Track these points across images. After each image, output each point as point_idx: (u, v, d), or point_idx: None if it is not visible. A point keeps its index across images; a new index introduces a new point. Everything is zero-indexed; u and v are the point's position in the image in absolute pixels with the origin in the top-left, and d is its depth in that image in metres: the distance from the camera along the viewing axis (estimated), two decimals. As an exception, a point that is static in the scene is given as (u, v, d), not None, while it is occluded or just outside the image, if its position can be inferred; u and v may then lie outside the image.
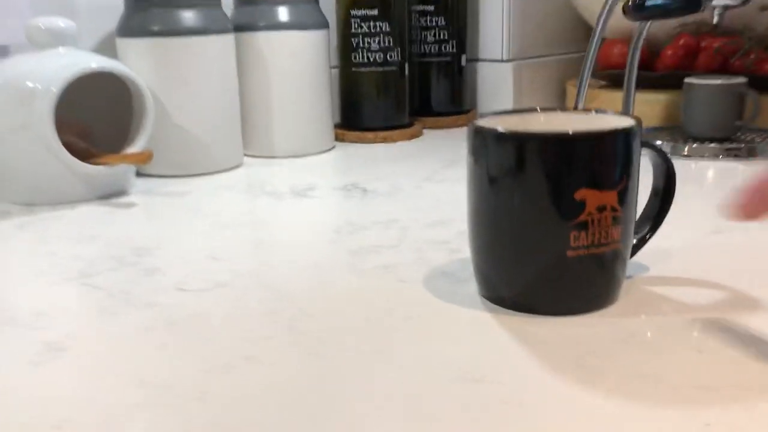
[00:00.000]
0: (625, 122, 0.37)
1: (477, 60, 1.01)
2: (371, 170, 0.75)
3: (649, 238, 0.43)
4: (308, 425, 0.29)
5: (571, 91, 0.98)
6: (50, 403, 0.31)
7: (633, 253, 0.42)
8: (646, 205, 0.43)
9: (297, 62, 0.80)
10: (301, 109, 0.81)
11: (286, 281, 0.45)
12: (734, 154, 0.74)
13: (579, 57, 0.87)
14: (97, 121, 0.70)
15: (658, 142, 0.77)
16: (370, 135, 0.88)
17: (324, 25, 0.81)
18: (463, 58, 0.97)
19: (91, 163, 0.63)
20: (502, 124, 0.38)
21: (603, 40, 0.96)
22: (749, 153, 0.74)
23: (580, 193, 0.36)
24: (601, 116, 0.41)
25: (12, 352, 0.36)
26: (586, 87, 0.80)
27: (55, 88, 0.59)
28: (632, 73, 0.79)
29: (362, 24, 0.85)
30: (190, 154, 0.73)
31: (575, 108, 0.79)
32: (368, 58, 0.86)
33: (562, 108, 0.42)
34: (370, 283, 0.44)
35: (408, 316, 0.39)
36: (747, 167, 0.71)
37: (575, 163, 0.36)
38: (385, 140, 0.88)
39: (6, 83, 0.61)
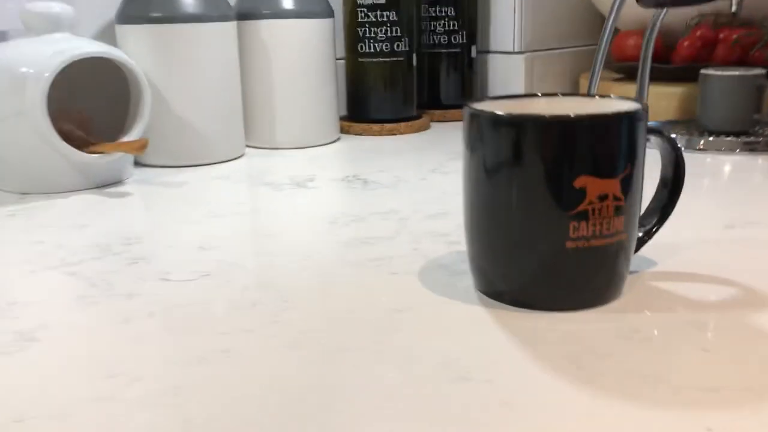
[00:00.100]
0: (630, 106, 0.35)
1: (488, 52, 0.99)
2: (375, 162, 0.73)
3: (656, 230, 0.40)
4: (283, 422, 0.27)
5: (584, 84, 0.95)
6: (13, 395, 0.30)
7: (639, 247, 0.40)
8: (654, 197, 0.41)
9: (301, 51, 0.78)
10: (304, 100, 0.79)
11: (273, 272, 0.43)
12: (752, 148, 0.71)
13: (593, 50, 0.84)
14: (98, 110, 0.69)
15: (673, 135, 0.74)
16: (376, 127, 0.86)
17: (329, 13, 0.80)
18: (474, 49, 0.95)
19: (86, 152, 0.62)
20: (499, 108, 0.36)
21: (617, 31, 0.93)
22: (767, 147, 0.71)
23: (580, 181, 0.34)
24: (604, 101, 0.38)
25: (-18, 341, 0.35)
26: (598, 79, 0.78)
27: (48, 74, 0.58)
28: (646, 65, 0.77)
29: (369, 13, 0.83)
30: (189, 144, 0.72)
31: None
32: (375, 48, 0.84)
33: (564, 93, 0.39)
34: (360, 275, 0.42)
35: (398, 309, 0.37)
36: (765, 162, 0.68)
37: (575, 148, 0.34)
38: (391, 133, 0.86)
39: (0, 69, 0.60)
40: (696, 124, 0.77)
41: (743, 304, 0.37)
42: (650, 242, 0.41)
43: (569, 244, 0.34)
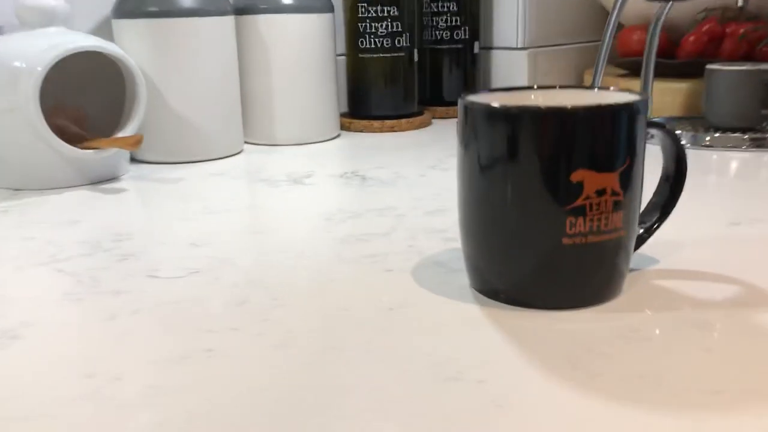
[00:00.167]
0: (629, 97, 0.34)
1: (491, 48, 0.98)
2: (374, 158, 0.71)
3: (658, 227, 0.39)
4: (265, 425, 0.26)
5: (589, 80, 0.94)
6: (-11, 394, 0.29)
7: (639, 244, 0.39)
8: (655, 192, 0.39)
9: (300, 47, 0.77)
10: (304, 96, 0.78)
11: (265, 269, 0.42)
12: (759, 145, 0.69)
13: (597, 45, 0.83)
14: (94, 106, 0.68)
15: (674, 129, 0.73)
16: (376, 124, 0.85)
17: (329, 8, 0.79)
18: (476, 45, 0.94)
19: (80, 148, 0.61)
20: (494, 100, 0.35)
21: (621, 26, 0.92)
22: (775, 144, 0.69)
23: (577, 175, 0.32)
24: (603, 93, 0.37)
25: (-38, 339, 0.34)
26: (602, 75, 0.77)
27: (41, 68, 0.57)
28: (650, 60, 0.75)
29: (369, 8, 0.82)
30: (187, 141, 0.71)
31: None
32: (375, 43, 0.83)
33: (563, 85, 0.38)
34: (353, 272, 0.41)
35: (391, 308, 0.36)
36: (772, 158, 0.67)
37: (571, 140, 0.32)
38: (392, 129, 0.85)
39: (-7, 64, 0.59)
40: (701, 121, 0.76)
41: (748, 303, 0.36)
42: (652, 239, 0.39)
43: (566, 241, 0.33)
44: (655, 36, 0.75)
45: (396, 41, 0.83)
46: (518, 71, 0.96)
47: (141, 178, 0.65)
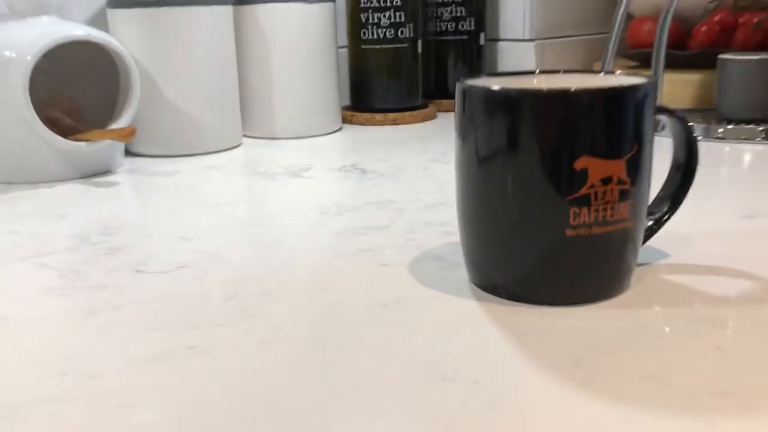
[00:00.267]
0: (636, 80, 0.32)
1: (497, 39, 0.96)
2: (375, 152, 0.70)
3: (668, 218, 0.37)
4: (246, 427, 0.25)
5: (598, 72, 0.91)
6: (-43, 394, 0.27)
7: (648, 237, 0.37)
8: (665, 183, 0.37)
9: (300, 37, 0.75)
10: (304, 88, 0.76)
11: (256, 264, 0.40)
12: (773, 137, 0.67)
13: (606, 37, 0.81)
14: (90, 98, 0.66)
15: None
16: (379, 117, 0.83)
17: (329, -3, 0.77)
18: (482, 36, 0.91)
19: (72, 139, 0.59)
20: (494, 84, 0.33)
21: (631, 17, 0.90)
22: (790, 136, 0.67)
23: (581, 162, 0.30)
24: (609, 77, 0.35)
25: (-66, 335, 0.32)
26: (612, 67, 0.74)
27: (31, 57, 0.56)
28: (660, 51, 0.73)
29: (372, -2, 0.80)
30: (183, 133, 0.69)
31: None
32: (378, 34, 0.81)
33: (567, 70, 0.36)
34: (349, 267, 0.39)
35: (385, 303, 0.34)
36: (787, 151, 0.65)
37: (575, 125, 0.30)
38: (395, 122, 0.83)
39: (-16, 54, 0.58)
40: (714, 112, 0.73)
41: (762, 299, 0.34)
42: (661, 232, 0.37)
43: (569, 232, 0.31)
44: (665, 26, 0.72)
45: (399, 32, 0.81)
46: (525, 63, 0.93)
47: (135, 172, 0.64)
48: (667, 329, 0.31)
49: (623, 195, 0.31)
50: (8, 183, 0.60)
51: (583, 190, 0.31)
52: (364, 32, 0.82)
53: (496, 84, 0.32)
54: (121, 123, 0.62)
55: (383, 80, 0.84)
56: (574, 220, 0.31)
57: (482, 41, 0.92)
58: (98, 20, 0.71)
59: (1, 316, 0.34)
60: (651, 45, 0.75)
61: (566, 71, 0.37)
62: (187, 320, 0.33)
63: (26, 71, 0.55)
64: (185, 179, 0.61)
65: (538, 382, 0.27)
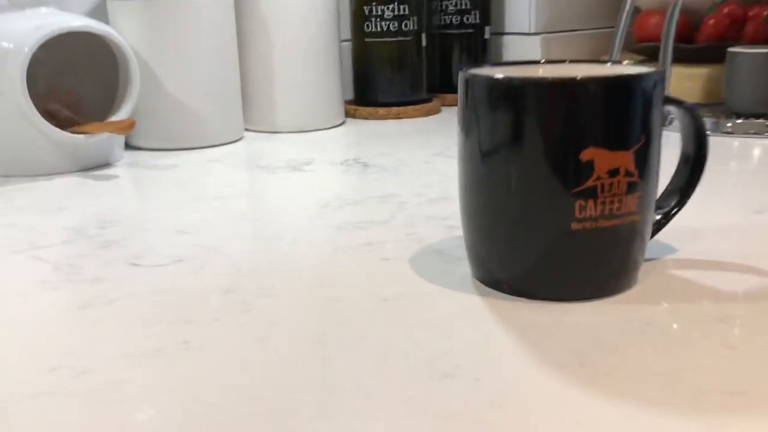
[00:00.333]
0: (643, 69, 0.31)
1: (502, 33, 0.94)
2: (378, 146, 0.69)
3: (676, 212, 0.36)
4: (241, 424, 0.24)
5: (604, 66, 0.90)
6: (-56, 389, 0.27)
7: (656, 231, 0.36)
8: (674, 175, 0.36)
9: (303, 29, 0.74)
10: (306, 81, 0.76)
11: (254, 258, 0.40)
12: (783, 131, 0.66)
13: (613, 31, 0.80)
14: (88, 90, 0.66)
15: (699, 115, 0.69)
16: (382, 111, 0.82)
17: (332, -10, 0.76)
18: (487, 30, 0.90)
19: (71, 132, 0.59)
20: (497, 73, 0.32)
21: (638, 10, 0.88)
22: (800, 130, 0.66)
23: (587, 153, 0.30)
24: (616, 66, 0.34)
25: (-76, 329, 0.32)
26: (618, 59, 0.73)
27: (28, 48, 0.55)
28: (668, 45, 0.72)
29: (375, -9, 0.79)
30: (184, 126, 0.68)
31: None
32: (381, 27, 0.80)
33: (574, 60, 0.35)
34: (349, 262, 0.39)
35: (385, 299, 0.33)
36: (797, 146, 0.63)
37: (581, 115, 0.30)
38: (398, 116, 0.82)
39: (-18, 45, 0.57)
40: (722, 107, 0.72)
41: (774, 295, 0.33)
42: (669, 226, 0.36)
43: (574, 226, 0.30)
44: (673, 19, 0.71)
45: (403, 25, 0.80)
46: (530, 57, 0.92)
47: (135, 165, 0.63)
48: (674, 326, 0.30)
49: (631, 187, 0.30)
50: (6, 176, 0.59)
51: (590, 183, 0.30)
52: (367, 25, 0.81)
53: (499, 73, 0.31)
54: (121, 115, 0.61)
55: (387, 74, 0.83)
56: (579, 213, 0.30)
57: (487, 35, 0.91)
58: (98, 11, 0.70)
59: (-7, 309, 0.33)
60: (658, 39, 0.74)
61: (572, 61, 0.36)
62: (183, 314, 0.32)
63: (24, 63, 0.55)
64: (185, 173, 0.60)
65: (542, 380, 0.26)
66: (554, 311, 0.31)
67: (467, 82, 0.32)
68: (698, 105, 0.76)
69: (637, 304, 0.32)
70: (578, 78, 0.29)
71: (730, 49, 0.70)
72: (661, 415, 0.23)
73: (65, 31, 0.57)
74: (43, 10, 0.59)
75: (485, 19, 0.90)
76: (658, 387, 0.25)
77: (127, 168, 0.62)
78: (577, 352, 0.28)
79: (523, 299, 0.32)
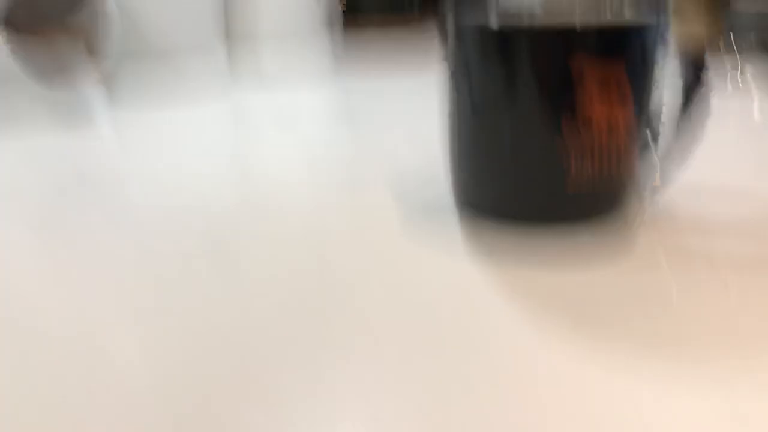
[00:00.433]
0: (645, 19, 0.29)
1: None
2: (369, 100, 0.67)
3: (678, 170, 0.34)
4: (202, 395, 0.22)
5: None
6: None
7: (656, 188, 0.34)
8: (675, 128, 0.34)
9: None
10: None
11: (236, 213, 0.38)
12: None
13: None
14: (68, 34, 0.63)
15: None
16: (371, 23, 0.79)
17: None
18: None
19: (29, 39, 0.55)
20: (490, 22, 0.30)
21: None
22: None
23: (586, 109, 0.28)
24: (618, 14, 0.32)
25: None
26: None
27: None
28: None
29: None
30: (168, 81, 0.66)
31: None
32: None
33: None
34: (335, 215, 0.37)
35: (365, 243, 0.32)
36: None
37: (579, 66, 0.28)
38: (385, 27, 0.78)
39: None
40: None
41: (782, 256, 0.31)
42: (669, 186, 0.35)
43: (571, 183, 0.29)
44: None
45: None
46: None
47: (116, 120, 0.61)
48: (678, 290, 0.29)
49: (630, 143, 0.29)
50: (-16, 132, 0.57)
51: (587, 138, 0.28)
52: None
53: (491, 22, 0.29)
54: (100, 62, 0.59)
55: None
56: (576, 170, 0.28)
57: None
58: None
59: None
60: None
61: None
62: (153, 272, 0.31)
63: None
64: (171, 128, 0.58)
65: (539, 345, 0.24)
66: (549, 272, 0.30)
67: (457, 31, 0.30)
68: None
69: (635, 265, 0.30)
70: (577, 26, 0.27)
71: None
72: (663, 385, 0.22)
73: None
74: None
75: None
76: (661, 354, 0.24)
77: (108, 123, 0.60)
78: (575, 315, 0.26)
79: (522, 263, 0.31)
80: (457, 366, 0.23)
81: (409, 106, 0.64)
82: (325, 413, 0.21)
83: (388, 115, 0.60)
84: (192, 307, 0.28)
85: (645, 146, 0.30)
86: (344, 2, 0.71)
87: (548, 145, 0.28)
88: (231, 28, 0.71)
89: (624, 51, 0.28)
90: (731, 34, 0.68)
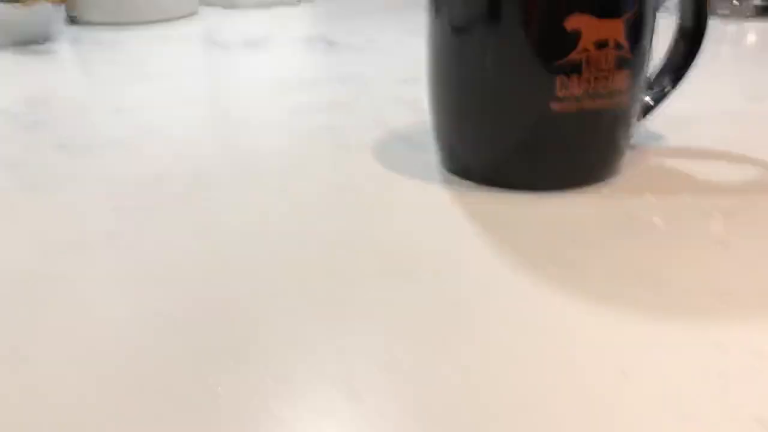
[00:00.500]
0: None
1: None
2: (348, 22, 0.63)
3: (668, 94, 0.32)
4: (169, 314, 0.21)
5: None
6: None
7: (644, 114, 0.32)
8: (668, 52, 0.32)
9: None
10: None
11: (197, 141, 0.36)
12: (781, 14, 0.62)
13: None
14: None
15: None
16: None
17: None
18: None
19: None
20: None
21: None
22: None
23: (573, 21, 0.25)
24: None
25: None
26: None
27: None
28: None
29: None
30: (132, -1, 0.62)
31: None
32: None
33: None
34: (302, 147, 0.35)
35: (340, 188, 0.30)
36: (795, 29, 0.59)
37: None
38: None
39: None
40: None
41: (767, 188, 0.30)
42: (659, 111, 0.33)
43: (554, 106, 0.27)
44: None
45: None
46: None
47: (77, 41, 0.57)
48: (659, 220, 0.27)
49: (620, 63, 0.26)
50: (-68, 50, 0.53)
51: (574, 55, 0.26)
52: None
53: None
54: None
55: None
56: (560, 91, 0.26)
57: None
58: None
59: None
60: None
61: None
62: (107, 203, 0.29)
63: None
64: (132, 49, 0.55)
65: (510, 278, 0.23)
66: (530, 202, 0.28)
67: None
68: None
69: (619, 195, 0.29)
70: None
71: None
72: (643, 314, 0.21)
73: None
74: None
75: None
76: (641, 285, 0.22)
77: (67, 44, 0.56)
78: (555, 248, 0.25)
79: (495, 189, 0.29)
80: (431, 290, 0.22)
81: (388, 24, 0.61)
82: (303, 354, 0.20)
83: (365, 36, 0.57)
84: (135, 240, 0.26)
85: (637, 68, 0.27)
86: None
87: (533, 61, 0.26)
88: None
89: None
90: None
